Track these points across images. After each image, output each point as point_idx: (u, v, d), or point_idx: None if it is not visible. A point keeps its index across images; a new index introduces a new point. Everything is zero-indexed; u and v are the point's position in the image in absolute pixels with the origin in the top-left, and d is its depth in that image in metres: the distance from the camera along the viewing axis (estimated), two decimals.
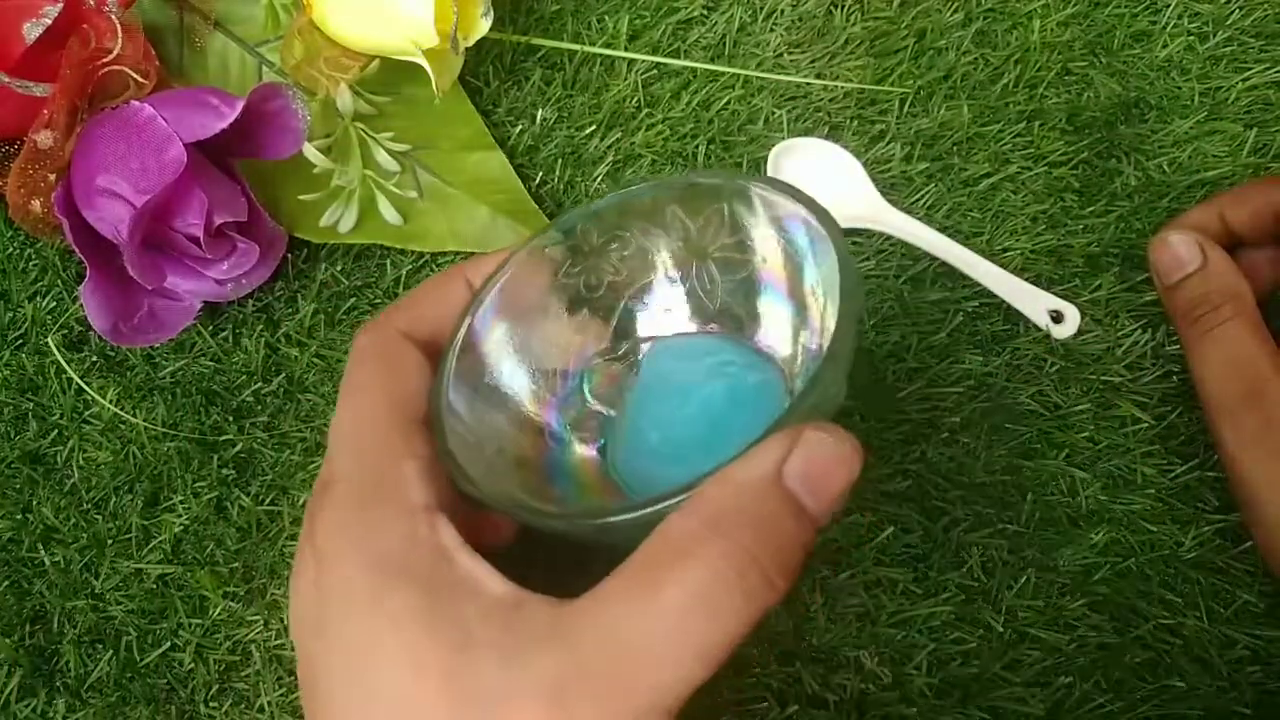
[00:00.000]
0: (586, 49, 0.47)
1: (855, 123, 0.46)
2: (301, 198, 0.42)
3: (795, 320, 0.32)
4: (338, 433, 0.27)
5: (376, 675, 0.23)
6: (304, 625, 0.25)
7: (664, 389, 0.33)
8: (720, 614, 0.22)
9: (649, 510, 0.23)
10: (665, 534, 0.22)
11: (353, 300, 0.43)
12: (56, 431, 0.42)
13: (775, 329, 0.33)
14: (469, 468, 0.27)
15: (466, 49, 0.42)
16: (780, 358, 0.33)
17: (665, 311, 0.34)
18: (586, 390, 0.33)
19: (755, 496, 0.22)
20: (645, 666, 0.22)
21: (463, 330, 0.30)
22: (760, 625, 0.22)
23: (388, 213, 0.43)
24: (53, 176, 0.39)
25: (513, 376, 0.32)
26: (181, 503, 0.40)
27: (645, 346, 0.34)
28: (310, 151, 0.41)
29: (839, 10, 0.48)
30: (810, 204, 0.29)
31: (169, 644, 0.39)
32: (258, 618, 0.39)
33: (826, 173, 0.45)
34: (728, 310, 0.34)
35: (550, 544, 0.28)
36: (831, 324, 0.27)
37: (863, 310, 0.25)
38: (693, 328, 0.34)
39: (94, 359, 0.42)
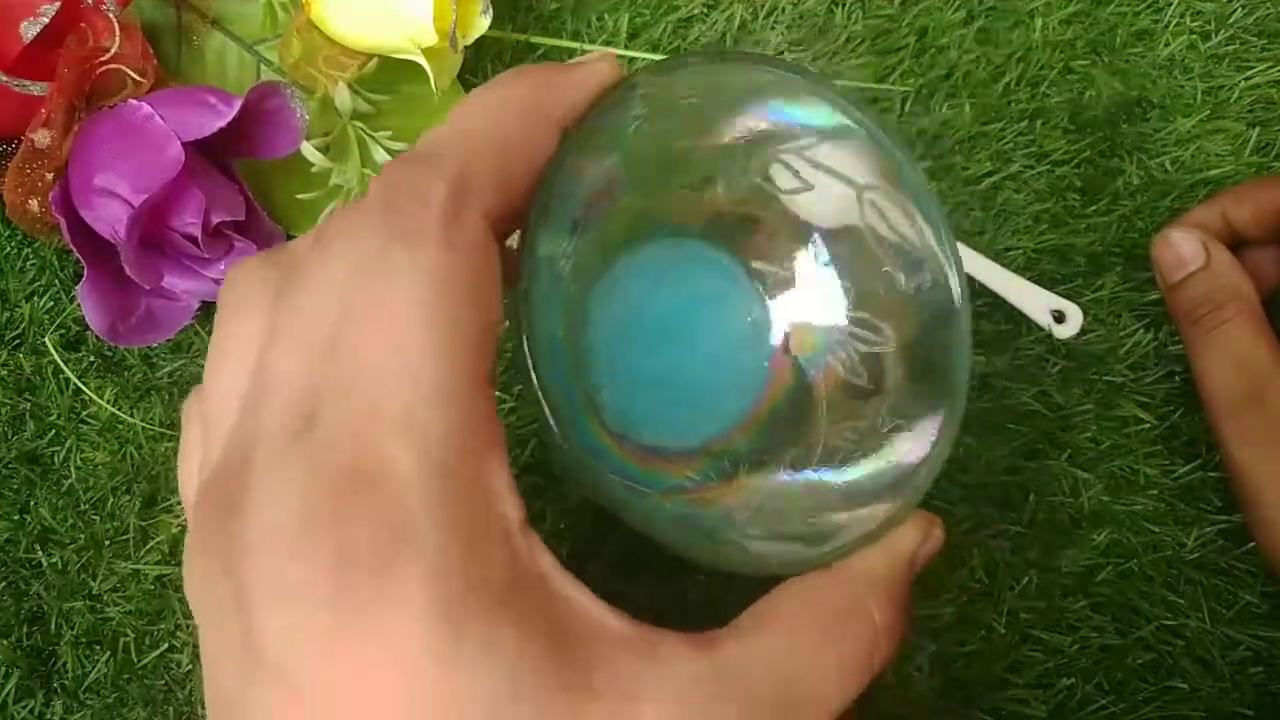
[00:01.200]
0: (586, 47, 0.46)
1: None
2: (299, 197, 0.42)
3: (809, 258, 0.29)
4: (403, 387, 0.17)
5: None
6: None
7: (638, 299, 0.29)
8: (867, 672, 0.22)
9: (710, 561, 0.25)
10: (825, 592, 0.23)
11: None
12: (54, 432, 0.41)
13: (782, 249, 0.29)
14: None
15: (465, 47, 0.42)
16: (767, 273, 0.29)
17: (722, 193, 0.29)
18: (595, 238, 0.28)
19: (904, 573, 0.24)
20: (807, 713, 0.21)
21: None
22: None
23: None
24: (50, 175, 0.39)
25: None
26: (179, 503, 0.40)
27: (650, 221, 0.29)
28: (308, 150, 0.41)
29: (840, 8, 0.48)
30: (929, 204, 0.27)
31: (167, 645, 0.39)
32: None
33: None
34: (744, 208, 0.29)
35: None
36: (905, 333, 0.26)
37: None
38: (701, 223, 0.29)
39: (91, 359, 0.42)
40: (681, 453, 0.29)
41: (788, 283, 0.29)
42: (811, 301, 0.29)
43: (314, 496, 0.17)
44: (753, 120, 0.27)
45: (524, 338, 0.22)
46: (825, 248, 0.29)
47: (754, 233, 0.29)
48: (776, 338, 0.29)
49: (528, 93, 0.21)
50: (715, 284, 0.29)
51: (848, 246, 0.28)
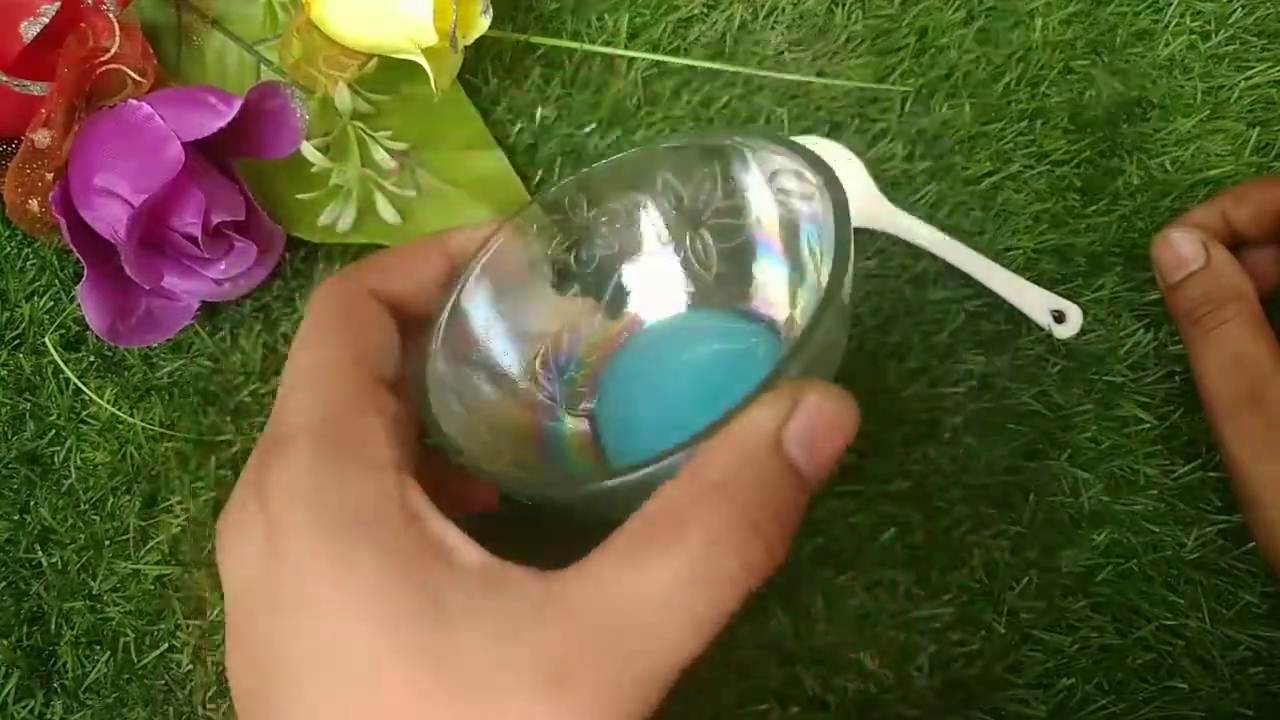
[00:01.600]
0: (586, 47, 0.46)
1: (856, 121, 0.46)
2: (299, 197, 0.42)
3: (792, 280, 0.32)
4: (294, 384, 0.25)
5: (347, 652, 0.21)
6: (252, 598, 0.23)
7: (654, 365, 0.33)
8: (721, 583, 0.21)
9: (641, 474, 0.23)
10: (663, 498, 0.22)
11: None
12: (54, 432, 0.41)
13: (773, 292, 0.32)
14: (458, 439, 0.26)
15: (465, 47, 0.42)
16: (779, 321, 0.33)
17: (659, 283, 0.34)
18: (577, 365, 0.33)
19: (756, 461, 0.22)
20: (646, 637, 0.21)
21: (450, 301, 0.29)
22: (753, 595, 0.21)
23: (386, 212, 0.43)
24: (50, 176, 0.39)
25: (504, 352, 0.31)
26: (179, 503, 0.40)
27: (637, 321, 0.34)
28: (308, 150, 0.41)
29: (840, 8, 0.48)
30: (804, 154, 0.28)
31: (167, 645, 0.39)
32: None
33: None
34: (723, 278, 0.34)
35: (531, 516, 0.28)
36: (818, 273, 0.28)
37: (852, 253, 0.26)
38: (686, 298, 0.34)
39: (91, 359, 0.42)
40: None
41: (773, 303, 0.33)
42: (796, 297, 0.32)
43: (247, 475, 0.25)
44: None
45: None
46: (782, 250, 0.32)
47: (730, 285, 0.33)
48: (772, 351, 0.32)
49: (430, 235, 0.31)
50: (708, 340, 0.34)
51: (786, 231, 0.31)
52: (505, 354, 0.32)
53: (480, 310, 0.31)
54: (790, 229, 0.31)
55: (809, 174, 0.28)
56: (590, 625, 0.21)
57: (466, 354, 0.30)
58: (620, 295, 0.34)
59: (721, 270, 0.33)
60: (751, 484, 0.21)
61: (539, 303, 0.33)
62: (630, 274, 0.34)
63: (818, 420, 0.22)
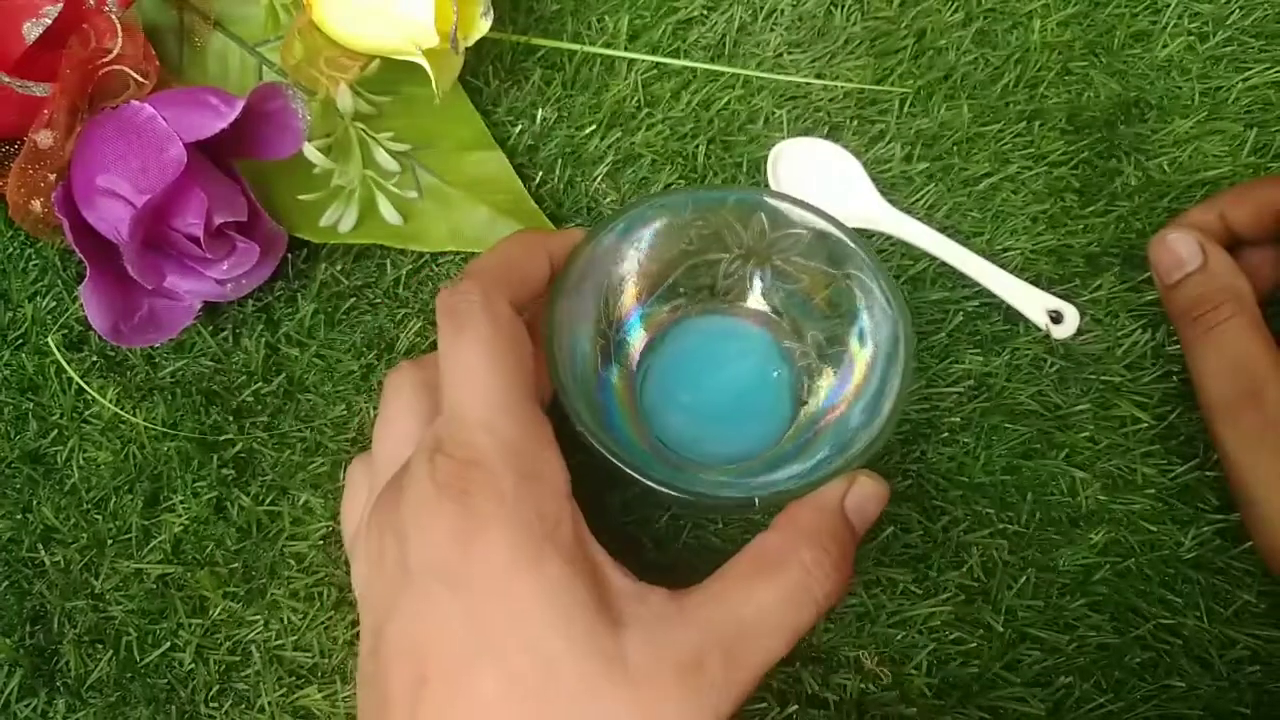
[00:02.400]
0: (586, 49, 0.47)
1: (855, 122, 0.46)
2: (301, 197, 0.42)
3: (825, 348, 0.38)
4: (480, 405, 0.29)
5: (528, 638, 0.26)
6: (438, 577, 0.27)
7: (701, 353, 0.40)
8: (809, 604, 0.29)
9: (712, 499, 0.34)
10: (768, 542, 0.30)
11: (353, 300, 0.43)
12: (56, 431, 0.42)
13: (804, 343, 0.39)
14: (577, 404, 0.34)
15: (466, 49, 0.42)
16: (797, 365, 0.40)
17: (721, 283, 0.40)
18: (632, 327, 0.40)
19: (830, 519, 0.31)
20: (758, 640, 0.28)
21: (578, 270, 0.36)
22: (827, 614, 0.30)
23: (388, 213, 0.43)
24: (53, 176, 0.39)
25: (600, 300, 0.39)
26: (181, 503, 0.40)
27: (692, 309, 0.40)
28: (310, 151, 0.41)
29: (839, 10, 0.48)
30: (892, 288, 0.35)
31: (169, 644, 0.39)
32: (258, 618, 0.39)
33: (826, 173, 0.45)
34: (771, 307, 0.40)
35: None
36: (867, 376, 0.36)
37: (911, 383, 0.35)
38: (735, 307, 0.40)
39: (94, 359, 0.42)
40: (706, 466, 0.39)
41: (804, 353, 0.39)
42: (821, 362, 0.39)
43: (437, 479, 0.28)
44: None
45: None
46: (824, 317, 0.38)
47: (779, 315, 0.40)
48: (795, 392, 0.39)
49: (523, 235, 0.34)
50: (748, 346, 0.41)
51: (838, 319, 0.38)
52: (601, 302, 0.38)
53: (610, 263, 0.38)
54: (846, 314, 0.38)
55: (891, 305, 0.35)
56: (716, 631, 0.28)
57: (581, 290, 0.37)
58: (687, 281, 0.40)
59: (775, 301, 0.40)
60: (828, 534, 0.30)
61: (625, 282, 0.39)
62: (702, 269, 0.40)
63: (866, 494, 0.32)
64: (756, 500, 0.33)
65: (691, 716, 0.26)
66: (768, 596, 0.29)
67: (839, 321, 0.38)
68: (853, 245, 0.37)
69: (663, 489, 0.33)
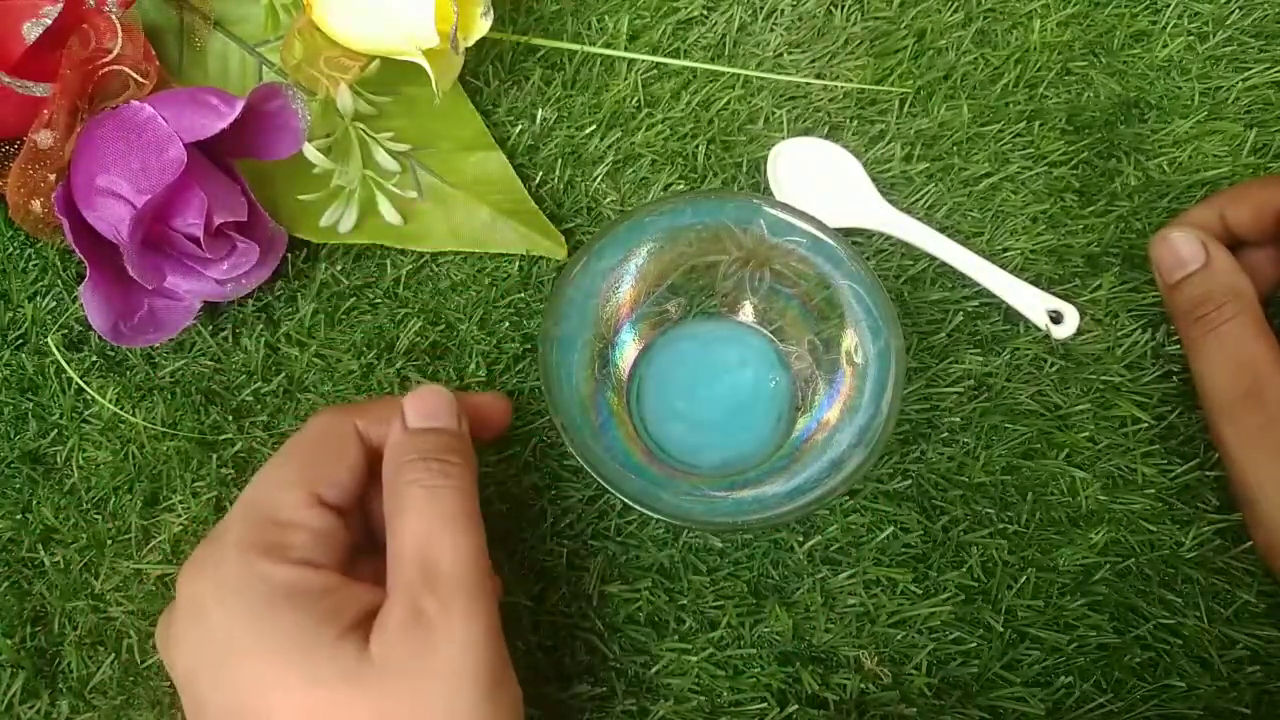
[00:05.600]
0: (586, 49, 0.47)
1: (855, 122, 0.46)
2: (301, 198, 0.42)
3: (820, 354, 0.39)
4: (243, 498, 0.32)
5: (255, 699, 0.29)
6: (194, 672, 0.30)
7: (700, 360, 0.41)
8: (448, 500, 0.32)
9: (698, 523, 0.38)
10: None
11: (353, 300, 0.43)
12: (56, 431, 0.42)
13: (801, 347, 0.40)
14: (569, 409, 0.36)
15: (466, 49, 0.42)
16: (794, 368, 0.40)
17: (720, 285, 0.40)
18: (630, 329, 0.40)
19: (403, 443, 0.33)
20: (442, 555, 0.30)
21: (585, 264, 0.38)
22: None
23: (388, 213, 0.43)
24: (53, 176, 0.39)
25: (606, 303, 0.40)
26: (181, 502, 0.40)
27: (691, 312, 0.41)
28: (310, 151, 0.41)
29: (839, 10, 0.48)
30: (888, 311, 0.37)
31: None
32: None
33: (826, 173, 0.45)
34: (767, 311, 0.41)
35: None
36: (858, 385, 0.37)
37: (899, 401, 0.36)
38: (732, 311, 0.41)
39: (94, 359, 0.42)
40: (695, 471, 0.39)
41: (800, 357, 0.40)
42: (817, 368, 0.39)
43: (192, 556, 0.32)
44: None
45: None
46: (818, 325, 0.39)
47: (777, 319, 0.41)
48: (792, 399, 0.40)
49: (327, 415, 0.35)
50: (746, 353, 0.41)
51: (832, 324, 0.39)
52: (588, 327, 0.39)
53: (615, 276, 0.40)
54: (838, 325, 0.39)
55: (883, 328, 0.36)
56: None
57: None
58: (684, 283, 0.40)
59: (769, 306, 0.41)
60: (413, 445, 0.33)
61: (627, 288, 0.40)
62: (697, 273, 0.40)
63: (416, 402, 0.35)
64: (741, 522, 0.35)
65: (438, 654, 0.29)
66: (413, 529, 0.31)
67: (835, 324, 0.38)
68: (844, 255, 0.37)
69: (640, 509, 0.35)
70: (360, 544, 0.34)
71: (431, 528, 0.31)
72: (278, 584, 0.29)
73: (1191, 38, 0.48)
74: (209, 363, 0.42)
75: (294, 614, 0.29)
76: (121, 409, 0.41)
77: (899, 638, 0.39)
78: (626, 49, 0.47)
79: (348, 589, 0.30)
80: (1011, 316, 0.43)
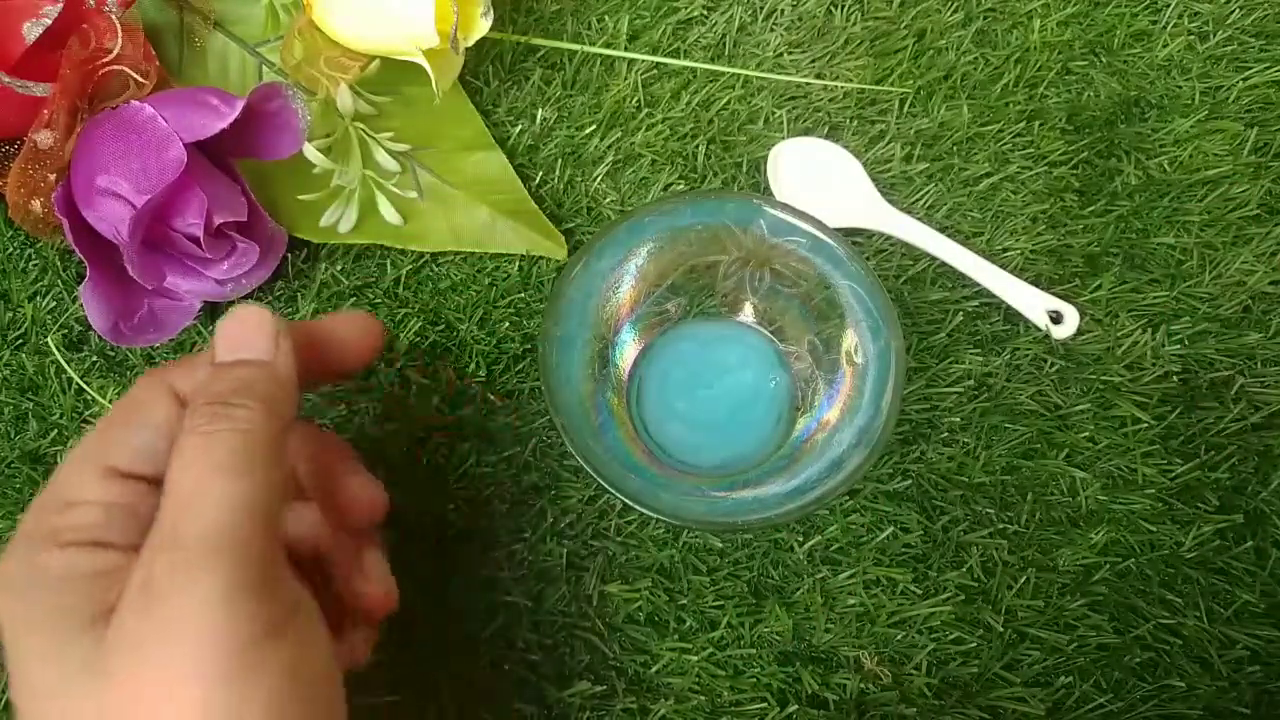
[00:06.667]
0: (586, 49, 0.47)
1: (855, 123, 0.46)
2: (301, 198, 0.42)
3: (820, 353, 0.39)
4: (46, 484, 0.28)
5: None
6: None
7: (700, 359, 0.41)
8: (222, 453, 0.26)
9: (697, 523, 0.38)
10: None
11: (352, 300, 0.43)
12: (56, 431, 0.42)
13: (801, 347, 0.40)
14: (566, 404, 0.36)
15: (466, 49, 0.42)
16: (794, 368, 0.40)
17: (720, 284, 0.41)
18: (631, 328, 0.40)
19: (203, 384, 0.28)
20: (195, 519, 0.25)
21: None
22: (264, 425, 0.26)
23: (388, 213, 0.43)
24: (53, 176, 0.39)
25: (586, 324, 0.40)
26: None
27: (691, 312, 0.41)
28: (310, 151, 0.41)
29: (839, 10, 0.48)
30: (888, 311, 0.37)
31: None
32: None
33: (826, 173, 0.45)
34: (767, 311, 0.41)
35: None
36: (858, 385, 0.37)
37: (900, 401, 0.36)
38: (732, 311, 0.41)
39: (94, 359, 0.42)
40: (695, 471, 0.39)
41: (800, 357, 0.40)
42: (817, 368, 0.40)
43: None
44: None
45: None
46: (818, 325, 0.39)
47: (776, 317, 0.41)
48: (792, 399, 0.40)
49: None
50: (746, 353, 0.41)
51: (833, 325, 0.39)
52: (586, 327, 0.39)
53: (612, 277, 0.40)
54: (843, 324, 0.38)
55: (883, 328, 0.37)
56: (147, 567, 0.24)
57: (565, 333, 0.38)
58: (684, 283, 0.40)
59: (769, 304, 0.40)
60: (206, 386, 0.28)
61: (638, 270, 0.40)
62: (700, 271, 0.40)
63: (227, 328, 0.29)
64: (740, 522, 0.35)
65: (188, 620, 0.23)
66: (176, 485, 0.25)
67: (835, 324, 0.38)
68: (844, 255, 0.37)
69: (640, 509, 0.35)
70: None
71: (198, 481, 0.25)
72: (51, 572, 0.25)
73: (1192, 37, 0.48)
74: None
75: (53, 603, 0.24)
76: None
77: (899, 638, 0.39)
78: (626, 49, 0.47)
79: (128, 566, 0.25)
80: (1011, 316, 0.43)
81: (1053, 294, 0.43)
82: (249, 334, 0.28)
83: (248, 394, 0.27)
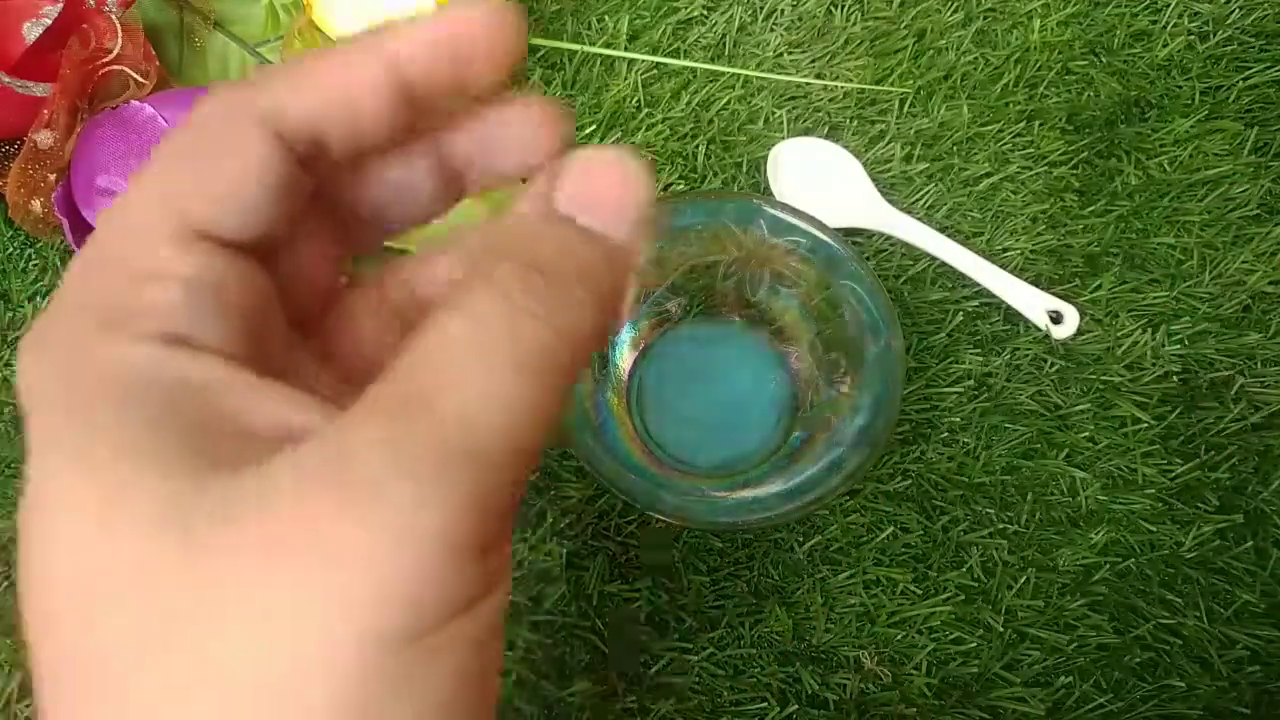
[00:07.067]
0: (586, 49, 0.47)
1: (855, 123, 0.46)
2: None
3: (820, 354, 0.39)
4: (91, 240, 0.18)
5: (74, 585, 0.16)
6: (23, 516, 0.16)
7: (700, 360, 0.41)
8: (523, 342, 0.16)
9: (696, 522, 0.36)
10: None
11: None
12: None
13: (801, 347, 0.40)
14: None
15: None
16: (794, 368, 0.40)
17: (720, 285, 0.41)
18: (629, 333, 0.40)
19: (527, 227, 0.18)
20: (458, 432, 0.15)
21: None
22: (580, 348, 0.17)
23: None
24: (53, 176, 0.39)
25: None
26: None
27: (691, 311, 0.41)
28: None
29: (839, 10, 0.48)
30: (890, 313, 0.37)
31: None
32: None
33: (826, 173, 0.45)
34: (767, 311, 0.41)
35: None
36: (859, 385, 0.37)
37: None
38: (732, 311, 0.41)
39: None
40: (695, 471, 0.39)
41: (800, 357, 0.40)
42: (817, 368, 0.40)
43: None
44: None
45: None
46: (818, 325, 0.39)
47: (772, 319, 0.41)
48: (789, 398, 0.40)
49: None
50: (745, 353, 0.41)
51: (833, 325, 0.39)
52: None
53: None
54: (843, 324, 0.39)
55: (883, 328, 0.37)
56: (377, 435, 0.15)
57: None
58: (684, 283, 0.41)
59: (767, 303, 0.41)
60: (528, 240, 0.18)
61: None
62: (697, 274, 0.40)
63: (592, 173, 0.19)
64: (740, 522, 0.35)
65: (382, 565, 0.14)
66: (447, 345, 0.16)
67: (835, 324, 0.38)
68: (844, 255, 0.38)
69: (640, 509, 0.35)
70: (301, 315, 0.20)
71: (491, 371, 0.15)
72: (118, 375, 0.16)
73: (1192, 37, 0.48)
74: None
75: (131, 430, 0.15)
76: None
77: (899, 638, 0.39)
78: (626, 49, 0.47)
79: (249, 389, 0.16)
80: (1011, 316, 0.43)
81: (1053, 294, 0.43)
82: (614, 197, 0.19)
83: (592, 284, 0.18)
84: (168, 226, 0.18)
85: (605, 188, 0.19)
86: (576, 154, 0.19)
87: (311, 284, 0.20)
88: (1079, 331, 0.42)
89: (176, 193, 0.18)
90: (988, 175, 0.45)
